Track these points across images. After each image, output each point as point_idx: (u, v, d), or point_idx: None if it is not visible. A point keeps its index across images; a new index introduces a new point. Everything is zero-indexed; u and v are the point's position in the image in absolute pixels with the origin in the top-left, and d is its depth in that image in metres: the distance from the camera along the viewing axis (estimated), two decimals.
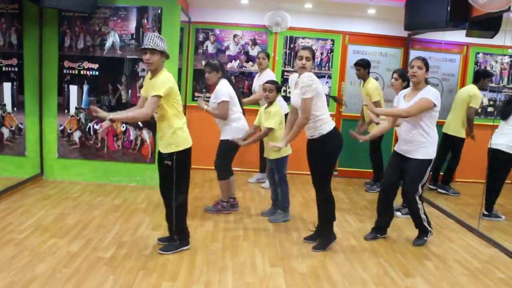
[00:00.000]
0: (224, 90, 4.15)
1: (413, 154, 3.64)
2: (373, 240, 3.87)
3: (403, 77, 4.55)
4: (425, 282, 3.14)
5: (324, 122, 3.43)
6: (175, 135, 3.20)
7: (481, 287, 3.12)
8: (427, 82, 3.67)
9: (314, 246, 3.61)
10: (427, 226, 3.82)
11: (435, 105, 3.50)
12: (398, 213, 4.58)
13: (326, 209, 3.60)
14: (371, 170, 5.71)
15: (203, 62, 6.03)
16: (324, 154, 3.49)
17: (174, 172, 3.24)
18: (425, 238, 3.85)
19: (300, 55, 3.37)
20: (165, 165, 3.25)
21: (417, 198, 3.73)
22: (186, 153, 3.27)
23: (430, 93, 3.53)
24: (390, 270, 3.29)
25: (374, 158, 5.58)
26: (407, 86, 4.33)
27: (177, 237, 3.41)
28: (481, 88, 5.32)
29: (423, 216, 3.78)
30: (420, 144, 3.59)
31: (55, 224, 3.80)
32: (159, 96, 3.05)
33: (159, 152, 3.33)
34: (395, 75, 4.61)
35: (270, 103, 4.20)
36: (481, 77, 5.32)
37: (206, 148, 5.13)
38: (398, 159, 3.75)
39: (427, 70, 3.57)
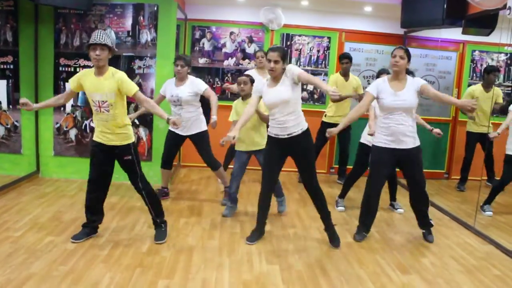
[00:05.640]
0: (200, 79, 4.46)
1: (410, 144, 3.61)
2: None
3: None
4: (421, 279, 3.15)
5: (303, 118, 3.48)
6: (127, 128, 3.40)
7: (477, 284, 3.13)
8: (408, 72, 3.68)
9: None
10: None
11: None
12: (401, 210, 4.63)
13: (324, 203, 3.63)
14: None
15: (200, 60, 6.05)
16: (311, 148, 3.56)
17: (136, 161, 3.43)
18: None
19: (268, 58, 3.32)
20: (125, 159, 3.38)
21: None
22: (135, 145, 3.47)
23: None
24: (386, 267, 3.30)
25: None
26: None
27: (159, 220, 3.55)
28: (488, 84, 5.38)
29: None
30: (414, 132, 3.63)
31: (51, 222, 3.79)
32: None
33: (106, 147, 3.37)
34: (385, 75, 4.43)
35: (246, 96, 4.18)
36: (484, 73, 5.50)
37: None
38: (390, 154, 3.65)
39: (409, 60, 3.56)
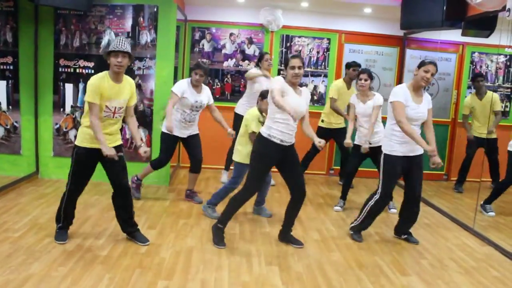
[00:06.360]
0: None
1: (420, 150, 3.64)
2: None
3: (371, 76, 4.48)
4: (420, 280, 3.15)
5: None
6: None
7: (476, 285, 3.13)
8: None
9: None
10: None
11: None
12: (394, 210, 4.63)
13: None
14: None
15: (200, 61, 6.04)
16: None
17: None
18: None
19: (292, 65, 3.32)
20: (119, 156, 3.33)
21: None
22: None
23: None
24: (386, 269, 3.30)
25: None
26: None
27: (134, 220, 3.58)
28: (478, 91, 5.54)
29: None
30: None
31: (50, 222, 3.77)
32: None
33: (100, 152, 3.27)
34: (365, 76, 4.42)
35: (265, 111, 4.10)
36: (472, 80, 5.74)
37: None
38: (402, 163, 3.65)
39: None
